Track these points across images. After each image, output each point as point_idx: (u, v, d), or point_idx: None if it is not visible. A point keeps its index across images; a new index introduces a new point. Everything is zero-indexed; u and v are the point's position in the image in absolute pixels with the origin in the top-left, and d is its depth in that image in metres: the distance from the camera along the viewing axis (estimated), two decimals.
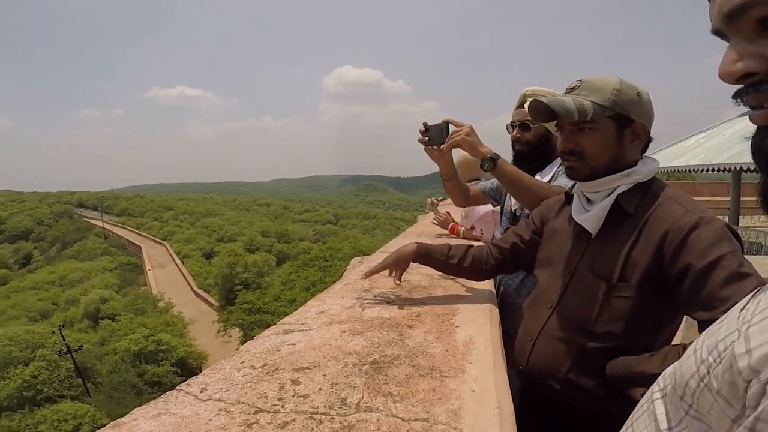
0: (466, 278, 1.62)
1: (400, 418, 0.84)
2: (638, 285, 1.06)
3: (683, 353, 0.95)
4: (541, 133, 1.89)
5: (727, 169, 7.89)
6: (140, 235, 62.72)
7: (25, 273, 50.22)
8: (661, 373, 0.98)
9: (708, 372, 0.46)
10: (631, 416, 0.62)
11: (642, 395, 1.05)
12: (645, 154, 1.21)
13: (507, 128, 1.98)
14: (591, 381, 1.13)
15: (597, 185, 1.15)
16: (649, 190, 1.13)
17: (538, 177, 1.86)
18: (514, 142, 1.93)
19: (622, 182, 1.13)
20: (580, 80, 1.17)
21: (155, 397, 0.94)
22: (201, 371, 1.08)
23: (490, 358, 1.12)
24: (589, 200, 1.20)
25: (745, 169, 7.58)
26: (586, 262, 1.17)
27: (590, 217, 1.16)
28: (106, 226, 67.04)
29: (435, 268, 1.58)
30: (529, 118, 1.86)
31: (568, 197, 1.30)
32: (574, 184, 1.25)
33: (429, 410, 0.87)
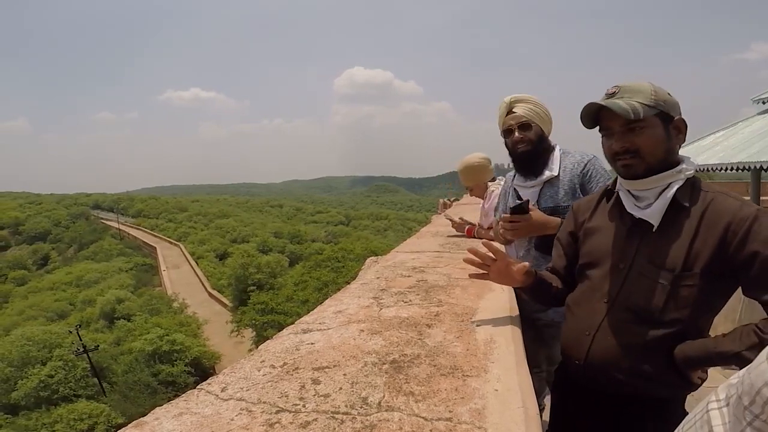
0: (550, 305, 1.57)
1: (423, 417, 0.83)
2: (702, 273, 1.15)
3: (755, 333, 1.04)
4: (540, 132, 1.95)
5: (747, 168, 7.75)
6: (155, 236, 63.33)
7: (43, 274, 51.02)
8: (737, 350, 1.06)
9: None
10: (680, 427, 0.60)
11: (700, 379, 1.17)
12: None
13: (503, 135, 2.01)
14: (657, 367, 1.20)
15: (650, 182, 1.23)
16: (695, 185, 1.22)
17: (547, 173, 1.92)
18: (518, 143, 1.96)
19: (675, 178, 1.21)
20: (617, 86, 1.24)
21: (170, 397, 0.94)
22: (214, 371, 1.08)
23: (512, 357, 1.10)
24: (636, 197, 1.26)
25: (765, 167, 7.44)
26: (643, 255, 1.23)
27: (654, 211, 1.22)
28: (121, 227, 67.81)
29: (537, 297, 1.50)
30: (524, 119, 1.91)
31: (608, 194, 1.36)
32: (615, 182, 1.32)
33: (452, 410, 0.86)
